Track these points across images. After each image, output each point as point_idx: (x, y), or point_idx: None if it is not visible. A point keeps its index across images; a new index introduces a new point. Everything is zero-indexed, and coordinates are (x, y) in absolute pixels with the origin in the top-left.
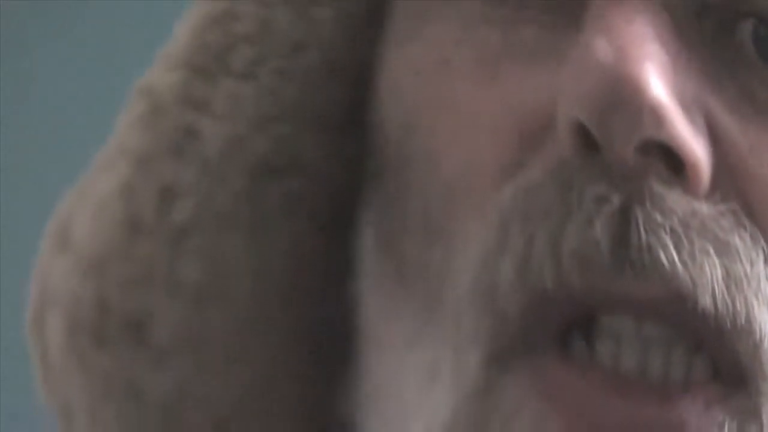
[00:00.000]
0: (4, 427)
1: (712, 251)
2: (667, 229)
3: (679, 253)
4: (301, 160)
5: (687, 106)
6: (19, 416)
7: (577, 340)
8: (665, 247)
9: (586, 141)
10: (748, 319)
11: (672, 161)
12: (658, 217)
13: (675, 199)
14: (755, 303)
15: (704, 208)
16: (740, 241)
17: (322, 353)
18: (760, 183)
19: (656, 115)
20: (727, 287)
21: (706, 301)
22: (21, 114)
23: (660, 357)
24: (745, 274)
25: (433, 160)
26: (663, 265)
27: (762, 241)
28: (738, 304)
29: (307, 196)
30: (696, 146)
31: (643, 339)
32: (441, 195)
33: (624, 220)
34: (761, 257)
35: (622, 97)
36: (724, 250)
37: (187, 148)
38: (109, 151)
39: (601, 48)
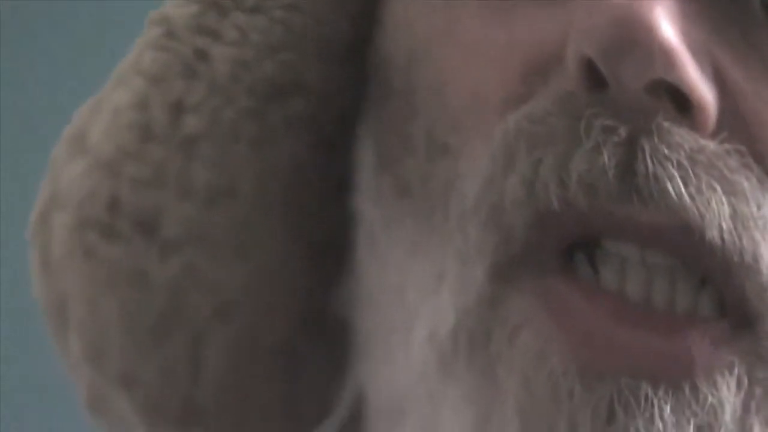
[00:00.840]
0: (4, 427)
1: (719, 188)
2: (675, 163)
3: (686, 185)
4: (305, 83)
5: (695, 51)
6: (20, 417)
7: (581, 263)
8: (672, 178)
9: (594, 77)
10: (756, 258)
11: (680, 101)
12: (665, 150)
13: (682, 135)
14: (763, 244)
15: (711, 145)
16: (747, 182)
17: (321, 255)
18: (766, 131)
19: (667, 56)
20: (734, 224)
21: (713, 234)
22: (21, 113)
23: (665, 287)
24: (752, 215)
25: (439, 89)
26: (670, 195)
27: None
28: (745, 242)
29: (309, 115)
30: (704, 88)
31: (647, 267)
32: (446, 119)
33: (631, 150)
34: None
35: (634, 36)
36: (730, 189)
37: (198, 69)
38: (124, 69)
39: None
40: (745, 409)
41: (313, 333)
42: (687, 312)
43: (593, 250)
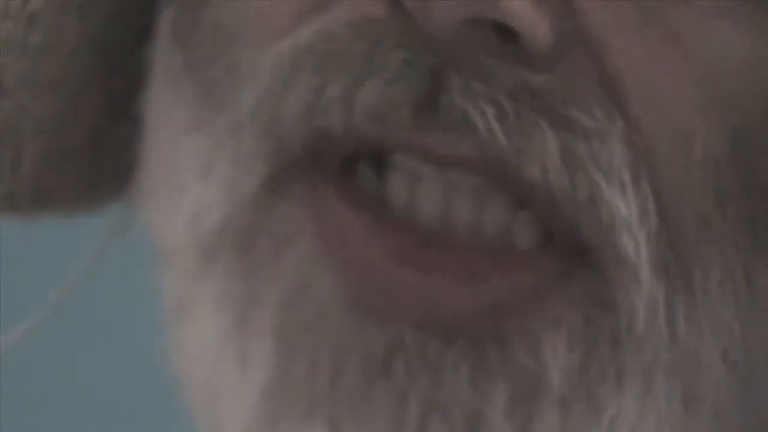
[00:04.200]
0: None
1: (545, 125)
2: (489, 99)
3: (501, 122)
4: None
5: None
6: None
7: (364, 172)
8: (483, 115)
9: (396, 5)
10: (593, 200)
11: (504, 30)
12: (478, 87)
13: (502, 70)
14: (603, 184)
15: (540, 80)
16: (588, 117)
17: (131, 73)
18: (620, 57)
19: None
20: (565, 163)
21: (533, 172)
22: None
23: (468, 205)
24: (591, 153)
25: None
26: (479, 131)
27: (620, 120)
28: (578, 182)
29: None
30: (535, 19)
31: (445, 183)
32: (233, 20)
33: (434, 85)
34: (615, 136)
35: None
36: (562, 125)
37: None
38: None
39: None
40: (584, 370)
41: (118, 129)
42: (499, 238)
43: (381, 161)
